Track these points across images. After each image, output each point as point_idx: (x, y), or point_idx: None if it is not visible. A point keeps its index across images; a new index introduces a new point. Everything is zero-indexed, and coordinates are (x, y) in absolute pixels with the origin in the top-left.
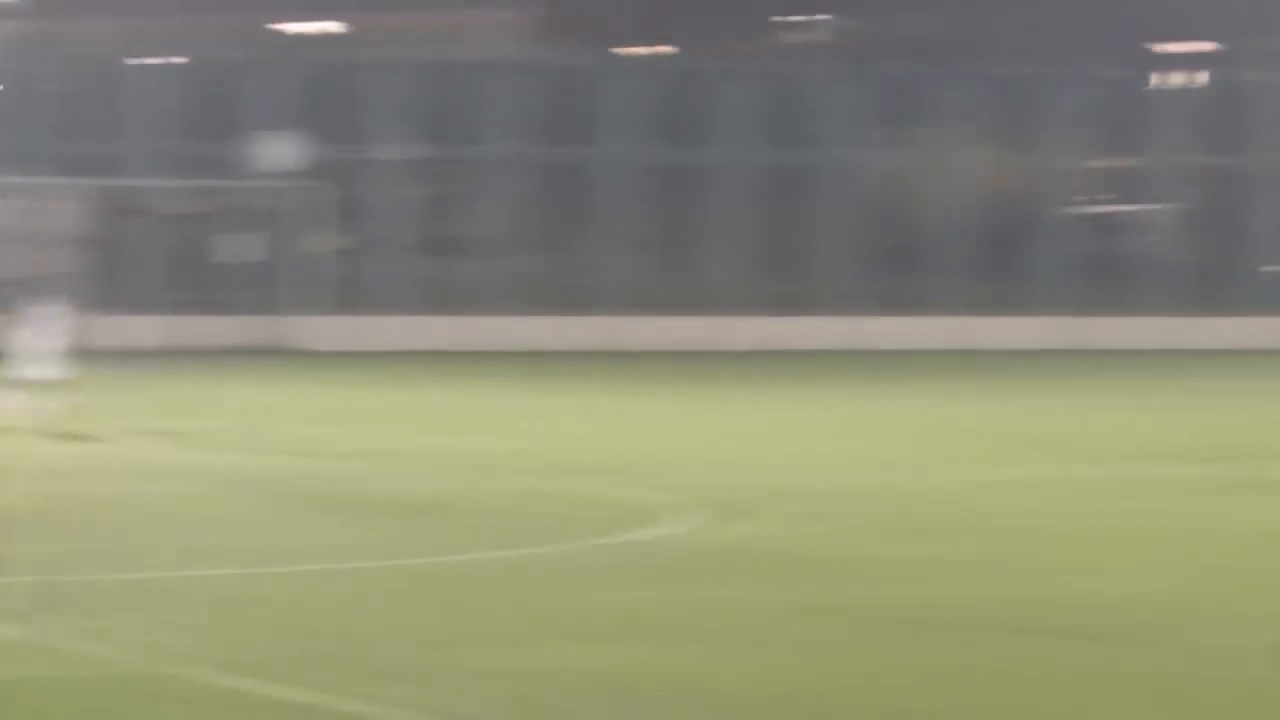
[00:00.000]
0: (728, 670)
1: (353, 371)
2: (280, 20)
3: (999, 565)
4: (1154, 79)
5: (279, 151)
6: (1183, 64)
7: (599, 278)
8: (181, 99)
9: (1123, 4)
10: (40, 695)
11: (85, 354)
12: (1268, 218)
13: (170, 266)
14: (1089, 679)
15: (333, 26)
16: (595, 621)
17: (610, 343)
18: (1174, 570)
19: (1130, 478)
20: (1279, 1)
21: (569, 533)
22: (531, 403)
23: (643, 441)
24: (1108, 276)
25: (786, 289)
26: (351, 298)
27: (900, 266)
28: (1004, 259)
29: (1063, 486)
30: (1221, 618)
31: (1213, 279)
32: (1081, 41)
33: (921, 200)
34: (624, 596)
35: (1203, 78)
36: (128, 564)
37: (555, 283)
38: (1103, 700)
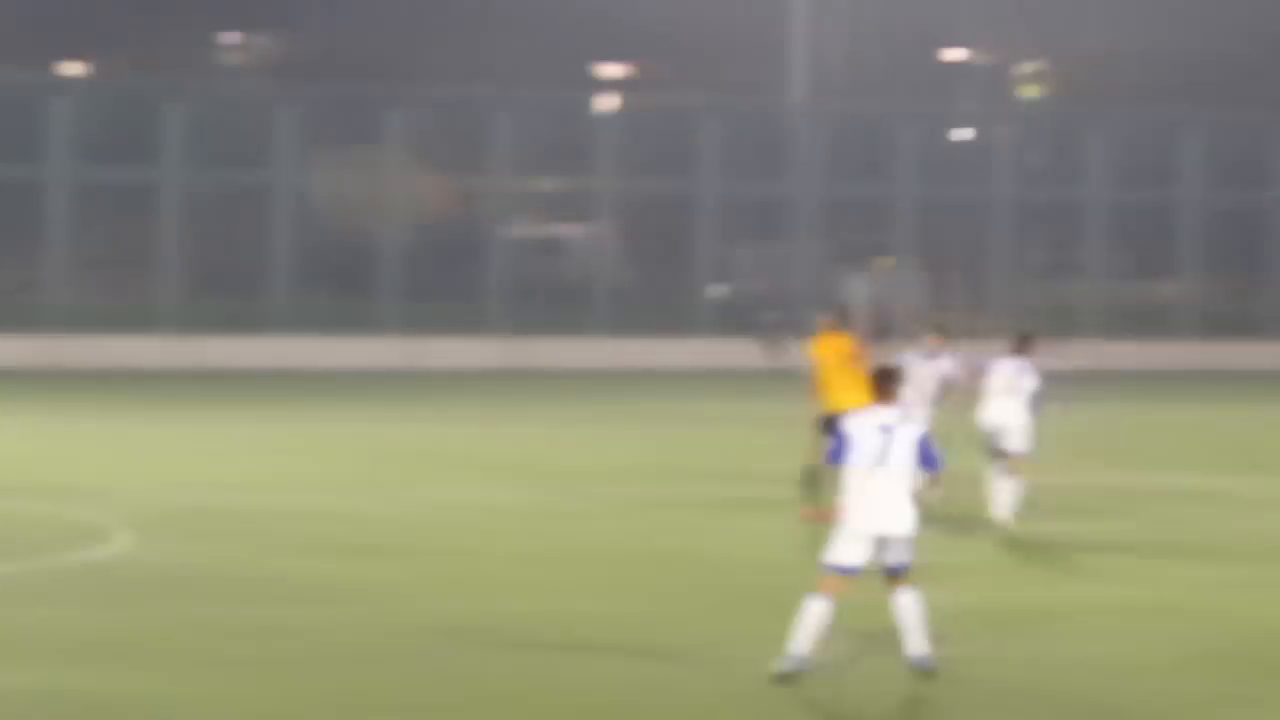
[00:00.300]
0: (165, 692)
1: None
2: None
3: (447, 585)
4: (596, 101)
5: None
6: (624, 87)
7: (43, 296)
8: None
9: (565, 26)
10: None
11: None
12: (709, 241)
13: None
14: (555, 694)
15: None
16: (21, 642)
17: (55, 362)
18: (619, 590)
19: (576, 498)
20: (715, 30)
21: (5, 553)
22: None
23: (87, 461)
24: (552, 298)
25: (235, 309)
26: None
27: (348, 287)
28: (449, 280)
29: (509, 507)
30: (674, 637)
31: (658, 301)
32: (524, 64)
33: (366, 222)
34: (57, 615)
35: (645, 101)
36: None
37: None
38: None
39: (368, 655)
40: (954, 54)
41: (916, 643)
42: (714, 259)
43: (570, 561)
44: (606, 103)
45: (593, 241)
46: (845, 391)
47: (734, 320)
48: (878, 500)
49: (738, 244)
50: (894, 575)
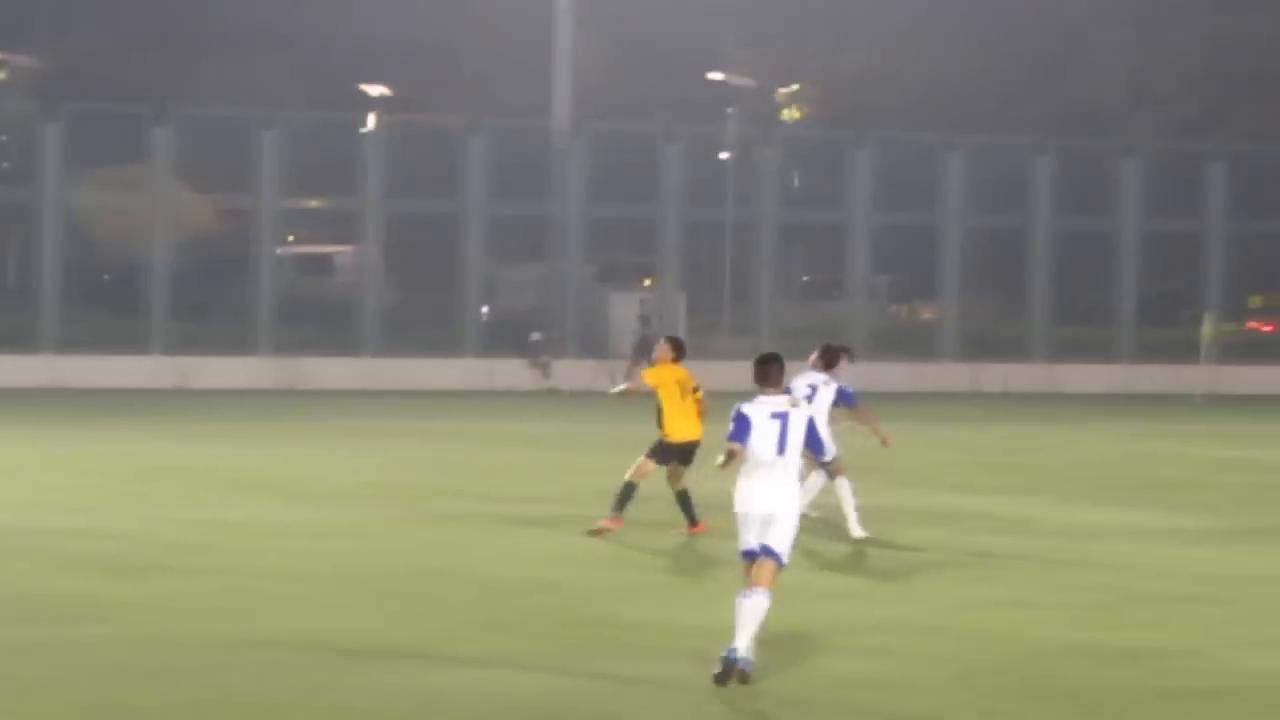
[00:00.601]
0: None
1: None
2: None
3: (218, 604)
4: (364, 121)
5: None
6: (391, 106)
7: None
8: None
9: (332, 46)
10: None
11: None
12: (477, 260)
13: None
14: (327, 710)
15: None
16: None
17: None
18: (391, 608)
19: (347, 517)
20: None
21: None
22: None
23: None
24: (320, 317)
25: (3, 327)
26: None
27: (117, 306)
28: (218, 299)
29: (280, 526)
30: (447, 654)
31: (426, 320)
32: (292, 83)
33: (135, 240)
34: None
35: (412, 120)
36: None
37: None
38: None
39: (133, 673)
40: (719, 76)
41: (743, 641)
42: (481, 278)
43: (343, 580)
44: (373, 122)
45: (360, 261)
46: (682, 420)
47: (501, 340)
48: (767, 483)
49: (504, 263)
50: (762, 558)
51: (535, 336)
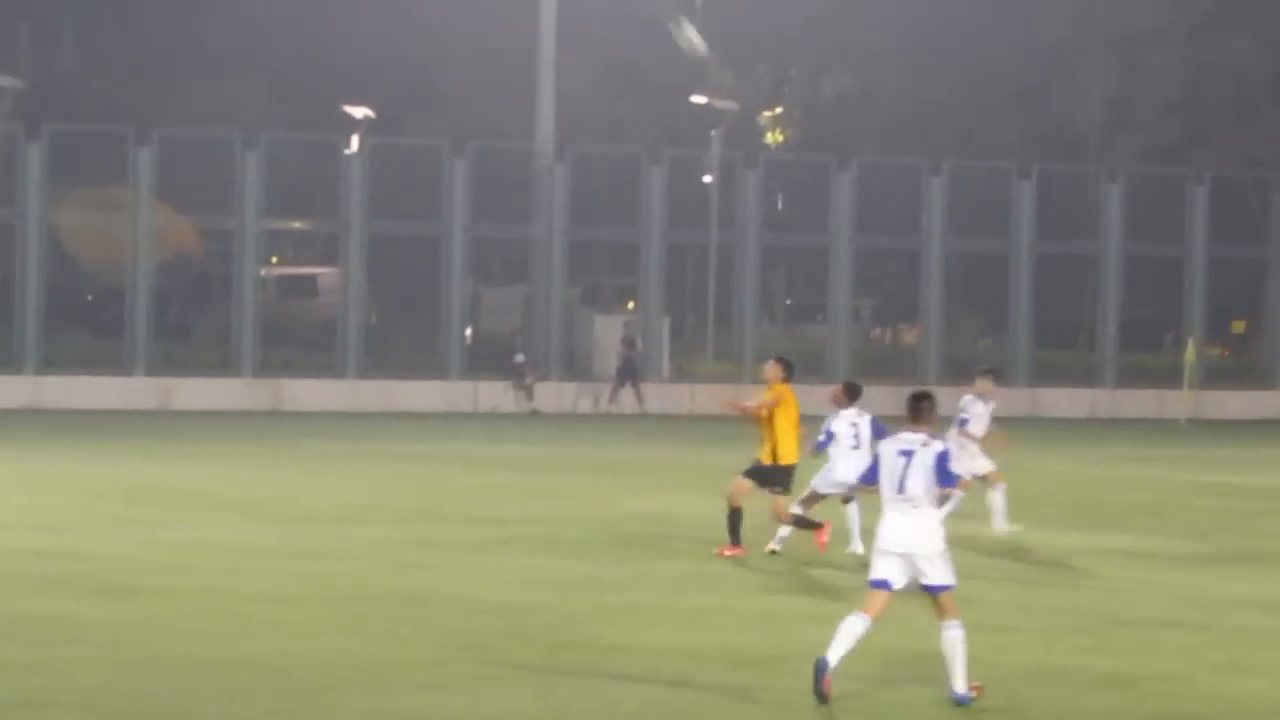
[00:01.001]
0: None
1: None
2: None
3: (198, 625)
4: (346, 142)
5: None
6: (374, 128)
7: None
8: None
9: (314, 67)
10: None
11: None
12: (458, 282)
13: None
14: None
15: None
16: None
17: None
18: (370, 630)
19: (327, 539)
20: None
21: None
22: None
23: None
24: (301, 338)
25: None
26: None
27: (98, 326)
28: (198, 320)
29: (260, 548)
30: (425, 677)
31: (407, 342)
32: (274, 104)
33: (117, 261)
34: None
35: (394, 142)
36: None
37: None
38: None
39: (114, 693)
40: (702, 99)
41: (955, 678)
42: (464, 300)
43: (323, 602)
44: (356, 143)
45: (342, 282)
46: (793, 444)
47: (484, 362)
48: (900, 520)
49: (487, 285)
50: (932, 596)
51: (518, 359)
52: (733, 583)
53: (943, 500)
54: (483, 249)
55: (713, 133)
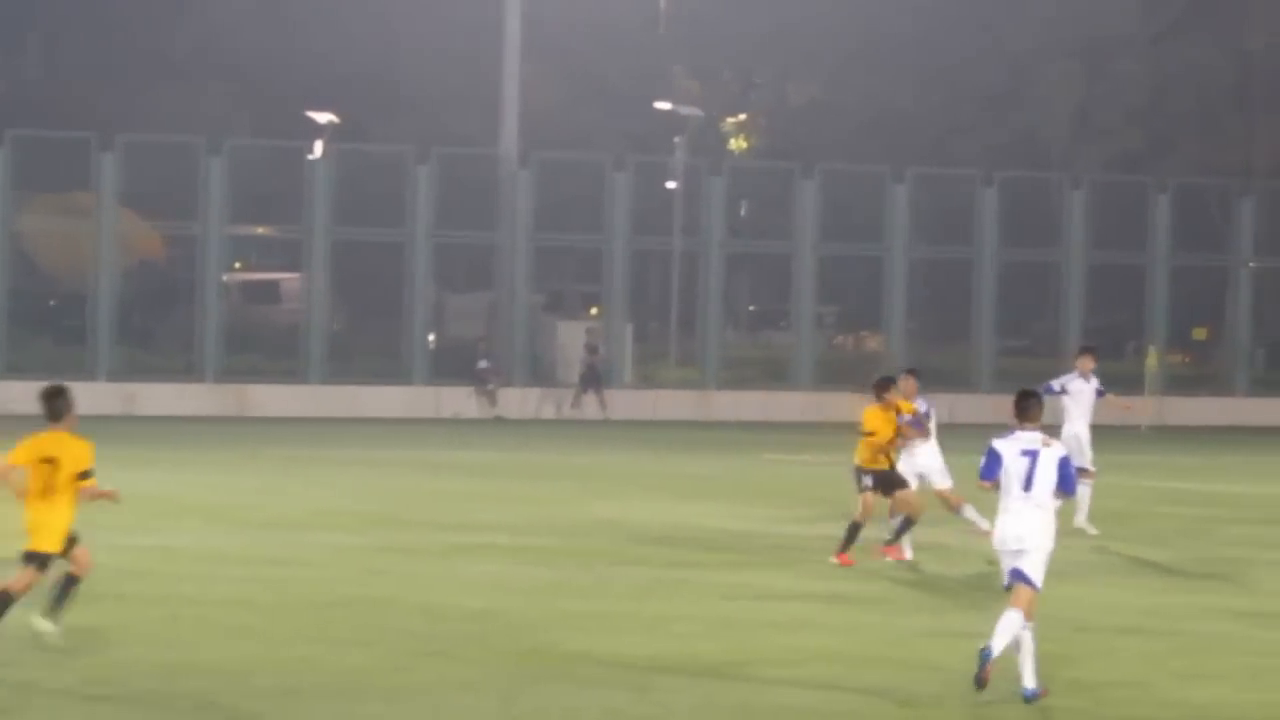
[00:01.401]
0: None
1: None
2: None
3: (161, 632)
4: (310, 148)
5: None
6: (339, 134)
7: None
8: None
9: (279, 73)
10: None
11: None
12: (423, 289)
13: None
14: None
15: None
16: None
17: None
18: (334, 636)
19: (291, 545)
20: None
21: None
22: None
23: None
24: (266, 344)
25: None
26: None
27: (62, 332)
28: (163, 326)
29: (224, 554)
30: (388, 683)
31: (372, 348)
32: (238, 110)
33: (80, 266)
34: None
35: (359, 148)
36: None
37: None
38: None
39: (76, 699)
40: (666, 106)
41: (1025, 674)
42: (428, 307)
43: (286, 608)
44: (320, 150)
45: (307, 288)
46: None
47: (448, 368)
48: (1018, 519)
49: (451, 292)
50: (1017, 584)
51: (482, 364)
52: (695, 590)
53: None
54: (447, 255)
55: (677, 140)
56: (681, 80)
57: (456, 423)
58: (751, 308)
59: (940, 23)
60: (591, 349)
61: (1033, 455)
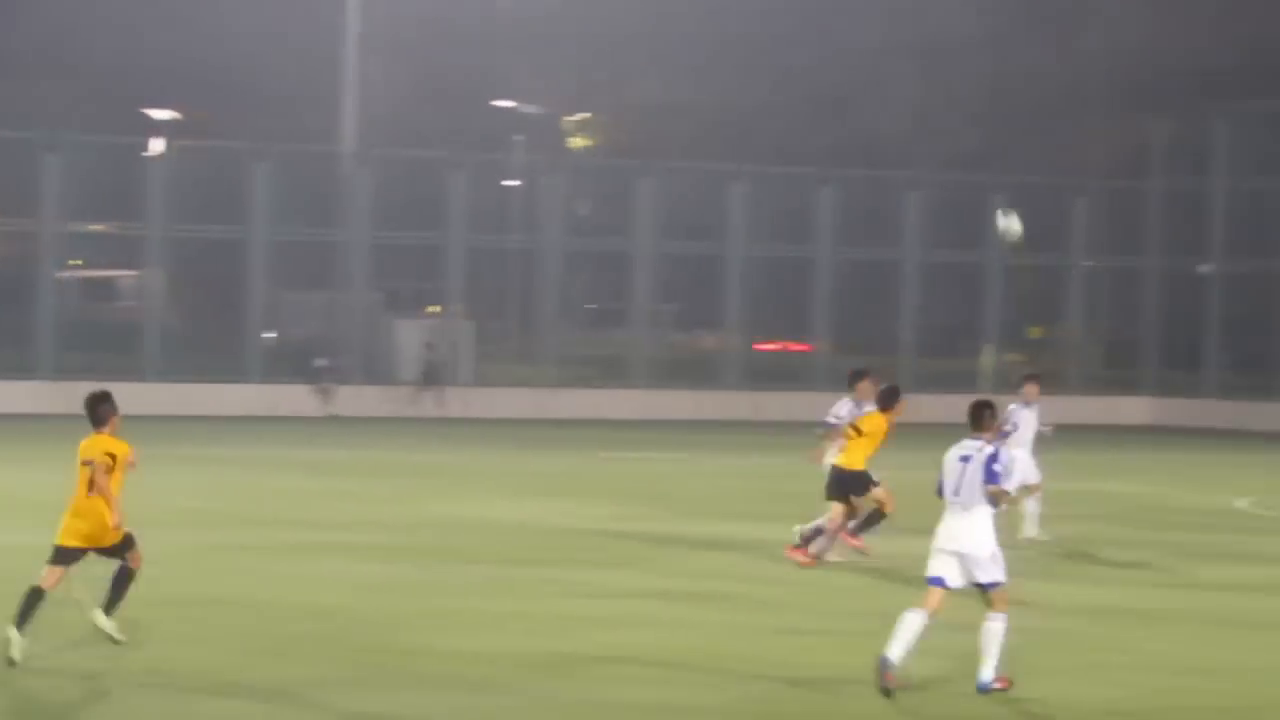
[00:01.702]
0: None
1: None
2: None
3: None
4: (148, 145)
5: None
6: (176, 131)
7: None
8: None
9: (117, 69)
10: None
11: None
12: (261, 287)
13: None
14: None
15: None
16: None
17: None
18: (183, 635)
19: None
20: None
21: None
22: None
23: None
24: (103, 341)
25: None
26: None
27: None
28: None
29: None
30: (242, 681)
31: (209, 346)
32: (75, 105)
33: None
34: None
35: (197, 145)
36: None
37: None
38: None
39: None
40: (507, 103)
41: (983, 666)
42: (266, 305)
43: (134, 608)
44: (158, 146)
45: (144, 286)
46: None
47: (286, 366)
48: (952, 522)
49: (289, 290)
50: (985, 592)
51: (320, 363)
52: (532, 587)
53: (995, 500)
54: (286, 253)
55: (516, 137)
56: (523, 78)
57: (294, 420)
58: (590, 306)
59: (783, 24)
60: (430, 347)
61: (966, 460)
